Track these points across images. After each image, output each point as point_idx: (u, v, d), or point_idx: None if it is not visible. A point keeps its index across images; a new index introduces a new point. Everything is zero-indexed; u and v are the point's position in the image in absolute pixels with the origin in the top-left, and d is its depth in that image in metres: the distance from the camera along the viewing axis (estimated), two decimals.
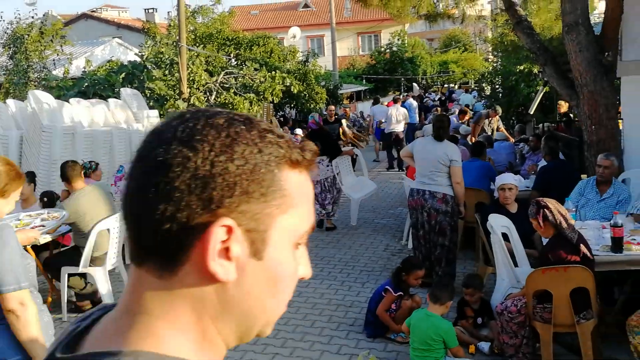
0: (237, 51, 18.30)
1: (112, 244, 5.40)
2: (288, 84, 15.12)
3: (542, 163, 8.01)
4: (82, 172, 6.12)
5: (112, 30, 30.61)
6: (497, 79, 17.42)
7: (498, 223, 4.84)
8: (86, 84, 11.73)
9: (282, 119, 19.49)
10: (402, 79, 33.87)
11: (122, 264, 5.77)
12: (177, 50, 13.65)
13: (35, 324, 2.48)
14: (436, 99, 29.34)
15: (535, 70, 13.82)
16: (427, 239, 5.76)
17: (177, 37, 14.00)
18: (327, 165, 8.42)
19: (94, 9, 37.76)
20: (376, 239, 8.03)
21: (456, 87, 40.63)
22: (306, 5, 44.44)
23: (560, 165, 7.12)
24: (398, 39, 34.64)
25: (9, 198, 2.57)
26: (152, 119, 10.98)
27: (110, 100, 10.42)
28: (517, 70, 14.19)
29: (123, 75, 12.10)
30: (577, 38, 6.90)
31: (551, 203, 3.95)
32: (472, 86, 37.87)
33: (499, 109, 14.07)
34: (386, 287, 4.78)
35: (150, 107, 11.77)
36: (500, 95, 16.48)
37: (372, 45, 41.23)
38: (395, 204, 10.43)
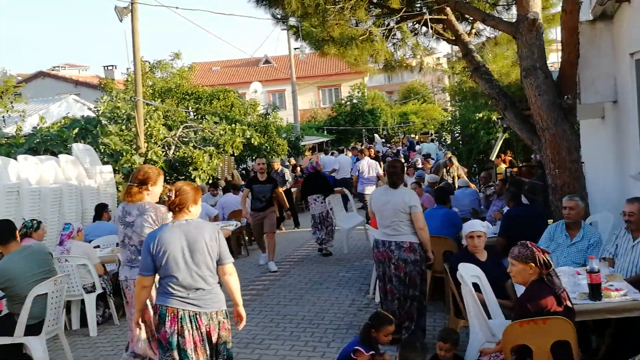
0: (197, 105, 18.10)
1: (51, 309, 4.91)
2: (248, 136, 14.90)
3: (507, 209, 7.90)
4: (22, 232, 5.66)
5: (70, 87, 30.15)
6: (456, 128, 17.60)
7: (468, 272, 4.57)
8: (37, 140, 11.24)
9: (244, 171, 19.20)
10: (364, 130, 34.14)
11: (62, 330, 5.27)
12: (134, 105, 13.36)
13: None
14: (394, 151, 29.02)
15: (494, 118, 13.95)
16: (395, 292, 5.43)
17: (134, 92, 13.73)
18: (322, 202, 10.13)
19: (54, 67, 37.39)
20: (341, 293, 7.66)
21: (416, 137, 41.14)
22: (267, 61, 44.94)
23: (523, 210, 6.95)
24: (358, 92, 35.11)
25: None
26: (105, 174, 10.54)
27: (61, 156, 9.97)
28: (477, 117, 14.33)
29: (76, 130, 11.66)
30: (536, 82, 6.86)
31: (534, 246, 3.69)
32: (432, 136, 38.51)
33: (454, 159, 14.03)
34: (356, 347, 4.39)
35: (105, 163, 11.33)
36: (460, 143, 16.61)
37: (332, 98, 41.70)
38: (361, 256, 10.10)
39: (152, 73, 19.59)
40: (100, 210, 8.68)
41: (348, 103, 34.85)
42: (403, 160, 15.74)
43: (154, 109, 14.74)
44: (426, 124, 42.48)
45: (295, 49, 30.98)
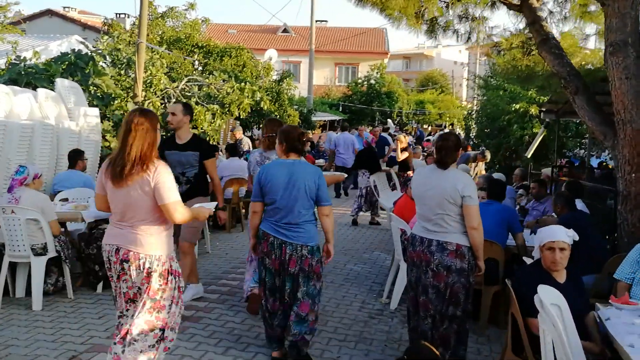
0: (206, 60, 16.62)
1: None
2: (258, 99, 13.45)
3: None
4: None
5: (77, 30, 28.54)
6: (483, 119, 16.14)
7: (550, 299, 3.21)
8: (19, 71, 9.83)
9: (248, 138, 17.77)
10: (378, 112, 32.65)
11: None
12: (136, 49, 11.92)
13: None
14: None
15: (533, 111, 12.51)
16: (430, 307, 4.09)
17: (138, 34, 12.29)
18: (367, 177, 10.60)
19: (65, 7, 35.81)
20: (349, 292, 6.32)
21: (429, 128, 39.64)
22: (285, 30, 43.26)
23: (573, 219, 5.53)
24: (377, 72, 33.52)
25: None
26: (90, 117, 9.15)
27: (40, 90, 8.58)
28: (512, 109, 12.87)
29: (64, 65, 10.23)
30: (625, 61, 5.49)
31: None
32: (448, 128, 37.04)
33: (488, 155, 12.65)
34: None
35: (93, 106, 9.94)
36: (488, 135, 15.16)
37: (349, 77, 40.15)
38: (371, 247, 8.78)
39: (162, 20, 18.08)
40: (75, 157, 7.30)
41: (365, 83, 33.28)
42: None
43: (158, 56, 13.28)
44: (442, 115, 40.95)
45: (317, 21, 29.50)
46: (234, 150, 10.71)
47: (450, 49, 64.79)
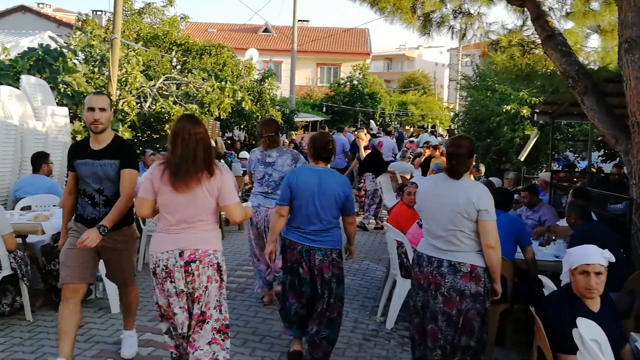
0: (185, 58, 15.98)
1: None
2: (239, 98, 12.88)
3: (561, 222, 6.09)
4: None
5: (52, 27, 27.57)
6: (469, 121, 15.72)
7: (589, 334, 2.71)
8: None
9: (229, 141, 17.15)
10: (360, 113, 32.19)
11: None
12: (110, 45, 11.28)
13: None
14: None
15: (524, 112, 12.13)
16: (439, 337, 3.57)
17: (112, 30, 11.64)
18: (372, 180, 10.61)
19: (39, 3, 34.74)
20: None
21: (411, 129, 39.27)
22: (266, 30, 42.60)
23: (588, 229, 5.08)
24: (359, 73, 33.07)
25: None
26: (58, 117, 8.50)
27: (4, 87, 7.92)
28: (503, 110, 12.47)
29: (31, 61, 9.56)
30: None
31: None
32: (428, 130, 36.74)
33: (482, 168, 11.86)
34: None
35: (62, 105, 9.29)
36: (477, 138, 14.74)
37: (331, 77, 39.65)
38: (359, 256, 8.25)
39: (139, 17, 17.40)
40: (39, 161, 6.65)
41: (348, 83, 32.81)
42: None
43: (134, 53, 12.63)
44: (424, 116, 40.66)
45: (298, 20, 28.98)
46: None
47: (432, 50, 64.75)
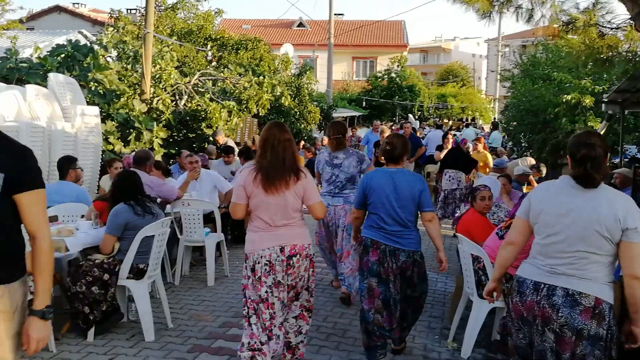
0: (220, 53, 15.39)
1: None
2: (278, 93, 12.20)
3: None
4: None
5: (87, 26, 27.37)
6: (522, 113, 14.71)
7: None
8: (10, 65, 8.67)
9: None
10: (398, 107, 31.26)
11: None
12: (143, 40, 10.73)
13: None
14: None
15: (587, 102, 11.14)
16: None
17: (144, 24, 11.10)
18: (450, 179, 9.39)
19: (74, 3, 34.78)
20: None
21: (450, 122, 38.14)
22: (301, 24, 41.91)
23: None
24: (397, 65, 32.11)
25: None
26: (89, 117, 7.97)
27: (30, 87, 7.41)
28: (563, 100, 11.49)
29: (60, 58, 9.05)
30: None
31: None
32: (467, 123, 35.57)
33: (544, 169, 10.80)
34: None
35: (92, 104, 8.76)
36: (532, 131, 13.79)
37: (367, 71, 38.77)
38: None
39: (173, 12, 16.89)
40: (65, 166, 6.01)
41: (385, 77, 31.88)
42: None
43: (167, 49, 12.07)
44: (464, 108, 39.44)
45: (335, 14, 28.24)
46: (248, 154, 8.87)
47: (468, 41, 63.21)
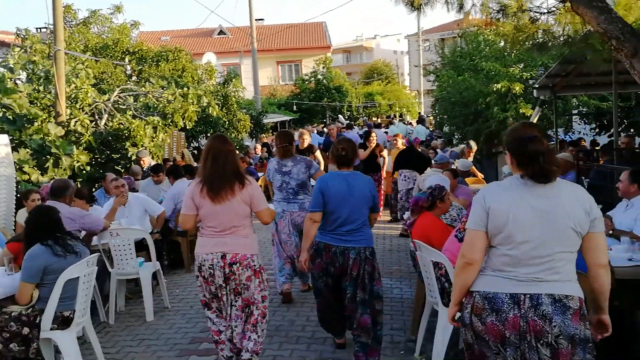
0: (140, 66, 14.64)
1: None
2: (205, 104, 11.64)
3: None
4: None
5: None
6: (451, 106, 14.74)
7: None
8: None
9: (195, 151, 15.82)
10: (328, 109, 31.12)
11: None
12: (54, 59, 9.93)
13: None
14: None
15: (516, 90, 11.19)
16: None
17: (53, 40, 10.30)
18: (405, 179, 9.63)
19: None
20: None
21: (378, 120, 38.32)
22: (222, 32, 41.18)
23: None
24: (323, 67, 31.99)
25: None
26: None
27: None
28: (493, 89, 11.51)
29: None
30: None
31: None
32: (397, 119, 35.88)
33: (474, 145, 11.27)
34: None
35: (2, 131, 7.98)
36: (464, 122, 13.79)
37: (292, 75, 38.57)
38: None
39: (85, 27, 15.97)
40: None
41: (312, 79, 31.69)
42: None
43: (82, 66, 11.29)
44: (392, 105, 39.82)
45: (256, 19, 27.79)
46: (177, 172, 8.19)
47: (389, 38, 64.11)
